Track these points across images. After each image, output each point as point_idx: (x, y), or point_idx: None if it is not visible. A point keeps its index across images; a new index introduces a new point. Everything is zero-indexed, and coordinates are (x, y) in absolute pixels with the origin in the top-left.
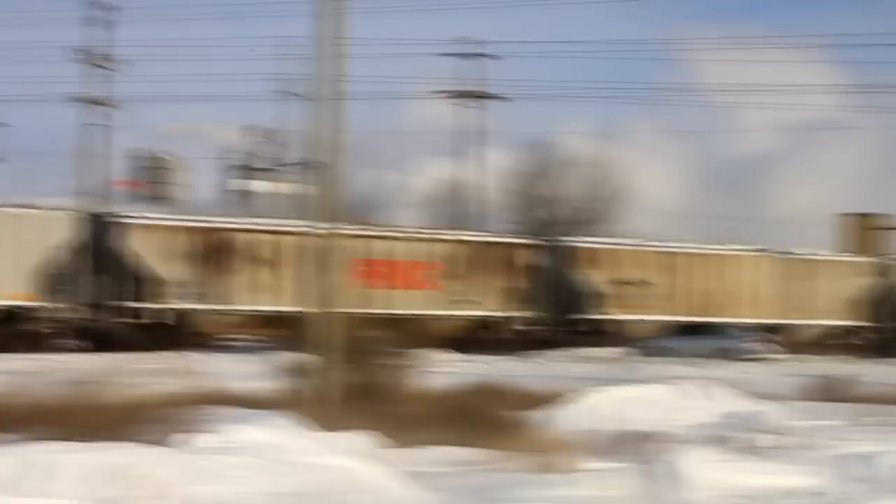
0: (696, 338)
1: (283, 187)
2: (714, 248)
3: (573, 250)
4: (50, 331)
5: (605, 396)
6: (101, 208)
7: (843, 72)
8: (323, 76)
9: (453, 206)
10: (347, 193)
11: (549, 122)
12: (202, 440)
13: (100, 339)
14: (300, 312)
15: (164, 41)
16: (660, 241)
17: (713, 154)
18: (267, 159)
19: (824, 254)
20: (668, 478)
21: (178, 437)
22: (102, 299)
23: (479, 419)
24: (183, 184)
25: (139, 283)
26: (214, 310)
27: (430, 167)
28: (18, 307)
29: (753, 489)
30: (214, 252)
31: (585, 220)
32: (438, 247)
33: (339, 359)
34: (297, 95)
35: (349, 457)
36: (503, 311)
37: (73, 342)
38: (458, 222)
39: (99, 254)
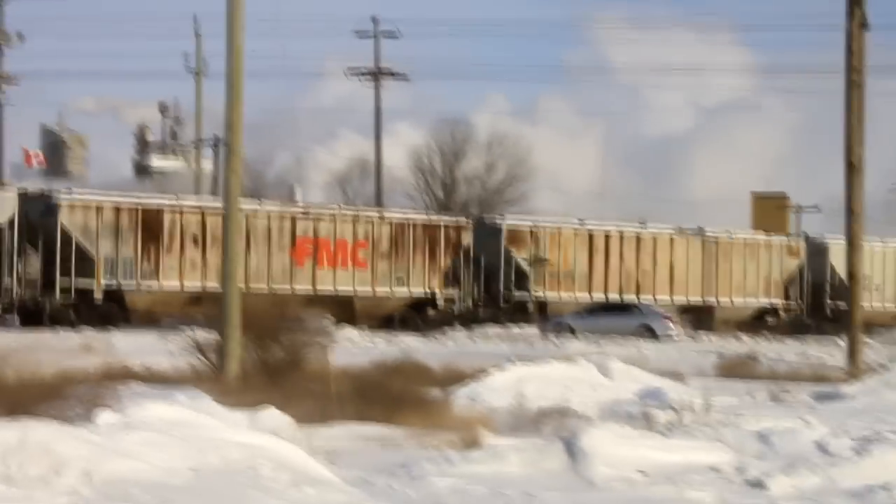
0: (606, 316)
1: (195, 164)
2: (638, 228)
3: (497, 229)
4: None
5: (511, 374)
6: (33, 186)
7: (752, 53)
8: (231, 54)
9: (364, 185)
10: (247, 171)
11: (461, 101)
12: (105, 417)
13: (30, 316)
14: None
15: (76, 17)
16: (579, 220)
17: (625, 134)
18: (179, 136)
19: (748, 234)
20: (589, 454)
21: (81, 413)
22: (34, 276)
23: (389, 397)
24: (83, 159)
25: (70, 260)
26: (145, 287)
27: (341, 146)
28: None
29: (653, 465)
30: (145, 230)
31: (496, 199)
32: (365, 226)
33: (244, 336)
34: (198, 73)
35: (259, 433)
36: (430, 289)
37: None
38: (368, 201)
39: (31, 231)
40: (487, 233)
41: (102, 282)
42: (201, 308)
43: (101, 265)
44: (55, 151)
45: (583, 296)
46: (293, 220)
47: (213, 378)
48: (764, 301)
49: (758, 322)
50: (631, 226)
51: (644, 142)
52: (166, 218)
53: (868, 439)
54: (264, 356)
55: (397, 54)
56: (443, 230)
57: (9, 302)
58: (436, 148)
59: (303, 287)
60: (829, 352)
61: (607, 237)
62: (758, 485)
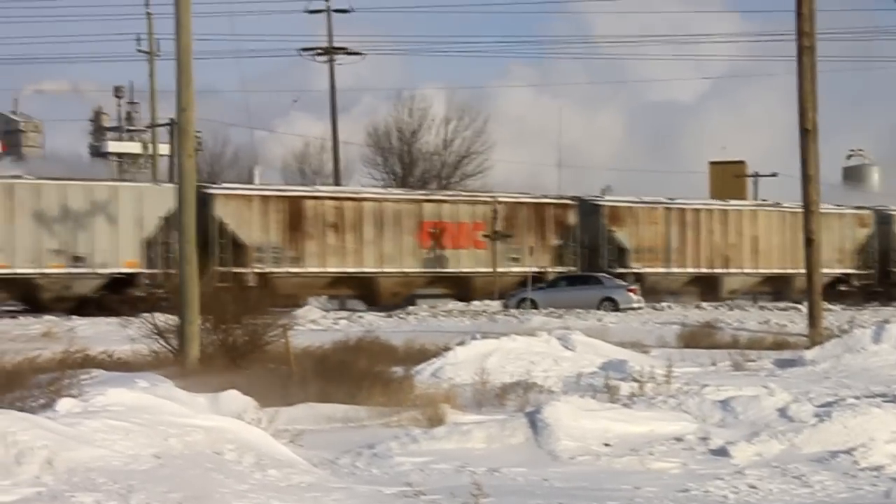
0: (568, 289)
1: (151, 147)
2: (724, 204)
3: (598, 208)
4: (146, 294)
5: (473, 350)
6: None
7: (748, 20)
8: (179, 33)
9: (320, 163)
10: (204, 152)
11: (426, 77)
12: (66, 404)
13: None
14: (362, 272)
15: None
16: (668, 198)
17: (603, 105)
18: (135, 120)
19: (828, 206)
20: (554, 427)
21: (42, 402)
22: None
23: (352, 376)
24: (38, 144)
25: (224, 249)
26: (291, 272)
27: (300, 124)
28: (128, 274)
29: (617, 436)
30: (289, 218)
31: (457, 175)
32: (481, 208)
33: (206, 319)
34: (150, 54)
35: (221, 416)
36: (540, 265)
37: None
38: (327, 179)
39: None
40: (588, 212)
41: (254, 268)
42: (340, 289)
43: (252, 252)
44: (12, 137)
45: (676, 270)
46: (418, 205)
47: (174, 362)
48: (837, 270)
49: (831, 290)
50: (716, 202)
51: (621, 112)
52: (307, 206)
53: (830, 404)
54: (226, 339)
55: (355, 32)
56: (550, 210)
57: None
58: (393, 124)
59: (430, 268)
60: (790, 318)
61: (696, 213)
62: (721, 453)
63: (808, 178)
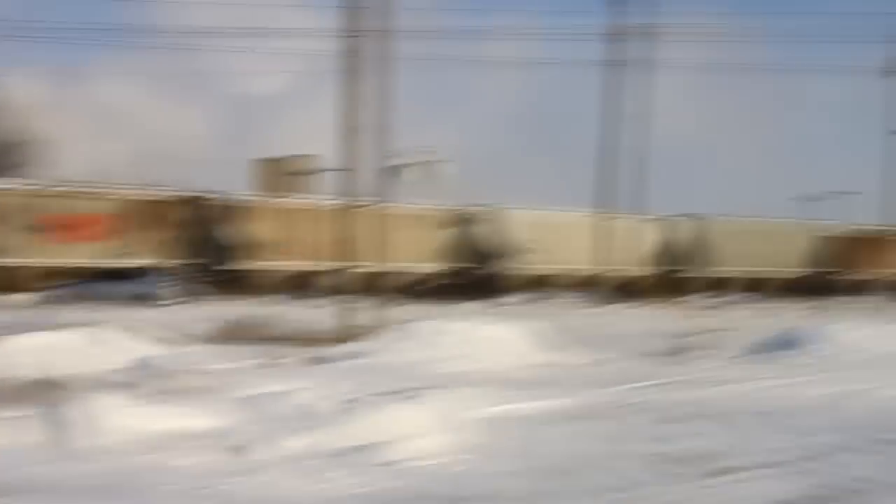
0: (108, 283)
1: None
2: (318, 202)
3: (208, 204)
4: None
5: (13, 344)
6: None
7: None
8: None
9: None
10: None
11: None
12: None
13: None
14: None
15: None
16: (271, 194)
17: (187, 99)
18: None
19: (408, 206)
20: (76, 424)
21: None
22: None
23: None
24: None
25: None
26: None
27: None
28: None
29: (140, 433)
30: None
31: (9, 164)
32: (98, 202)
33: None
34: None
35: None
36: (156, 260)
37: None
38: None
39: None
40: (199, 208)
41: None
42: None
43: None
44: None
45: (282, 264)
46: (34, 198)
47: None
48: (423, 267)
49: (417, 287)
50: (315, 198)
51: (204, 106)
52: None
53: (353, 401)
54: None
55: None
56: (165, 205)
57: None
58: None
59: (43, 260)
60: (328, 314)
61: (296, 210)
62: (242, 450)
63: (349, 172)
